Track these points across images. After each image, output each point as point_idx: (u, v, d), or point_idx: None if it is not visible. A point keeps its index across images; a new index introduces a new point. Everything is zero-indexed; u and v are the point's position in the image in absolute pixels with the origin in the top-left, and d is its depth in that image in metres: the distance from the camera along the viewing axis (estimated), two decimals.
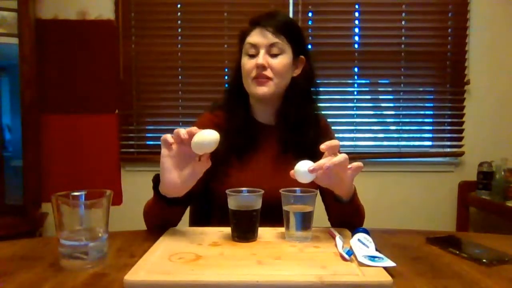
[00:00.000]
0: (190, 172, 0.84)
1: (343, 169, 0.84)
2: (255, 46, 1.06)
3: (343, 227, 0.96)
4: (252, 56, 1.07)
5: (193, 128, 0.79)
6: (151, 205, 0.96)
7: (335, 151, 0.84)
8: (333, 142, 0.84)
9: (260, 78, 1.05)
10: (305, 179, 0.83)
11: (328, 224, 1.01)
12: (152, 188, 0.92)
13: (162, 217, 0.94)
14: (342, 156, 0.83)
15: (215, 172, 1.05)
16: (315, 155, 0.86)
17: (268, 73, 1.05)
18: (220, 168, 1.07)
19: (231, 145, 1.07)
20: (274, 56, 1.06)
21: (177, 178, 0.84)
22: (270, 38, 1.05)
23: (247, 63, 1.07)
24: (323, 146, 0.83)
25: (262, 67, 1.04)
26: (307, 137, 1.09)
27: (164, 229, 0.92)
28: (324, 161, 0.82)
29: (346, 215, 0.99)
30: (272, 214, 0.89)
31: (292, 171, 0.85)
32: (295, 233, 0.85)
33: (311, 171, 0.82)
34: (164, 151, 0.85)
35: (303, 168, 0.83)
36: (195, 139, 0.77)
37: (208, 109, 1.19)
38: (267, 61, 1.05)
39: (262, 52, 1.05)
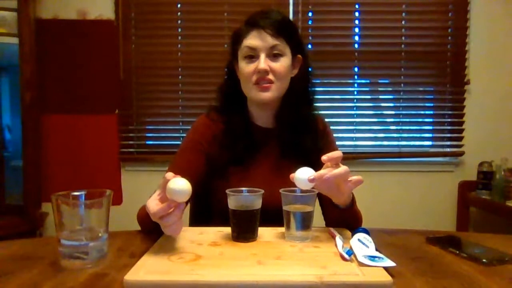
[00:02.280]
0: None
1: (343, 181, 0.85)
2: (254, 49, 1.02)
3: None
4: (251, 59, 1.03)
5: (168, 175, 0.76)
6: (146, 219, 0.92)
7: (337, 162, 0.84)
8: (335, 153, 0.84)
9: (262, 83, 1.03)
10: (304, 186, 0.84)
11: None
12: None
13: (158, 231, 0.92)
14: (343, 169, 0.83)
15: (216, 181, 1.05)
16: (315, 158, 0.86)
17: (270, 77, 1.03)
18: (221, 176, 1.05)
19: (231, 152, 1.06)
20: (274, 59, 1.03)
21: None
22: (270, 40, 1.02)
23: (247, 68, 1.04)
24: (325, 158, 0.83)
25: (264, 72, 1.02)
26: (307, 139, 1.08)
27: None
28: (325, 172, 0.82)
29: (342, 221, 0.97)
30: (274, 219, 0.89)
31: (292, 175, 0.85)
32: (295, 233, 0.85)
33: (311, 180, 0.82)
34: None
35: (303, 176, 0.83)
36: (169, 185, 0.74)
37: (205, 110, 1.16)
38: (269, 65, 1.02)
39: (262, 56, 1.02)
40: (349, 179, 0.85)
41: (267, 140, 1.11)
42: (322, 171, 0.83)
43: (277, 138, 1.11)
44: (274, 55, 1.03)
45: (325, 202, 1.01)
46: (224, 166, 1.07)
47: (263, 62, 1.01)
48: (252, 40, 1.03)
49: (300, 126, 1.10)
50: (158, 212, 0.75)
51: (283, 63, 1.04)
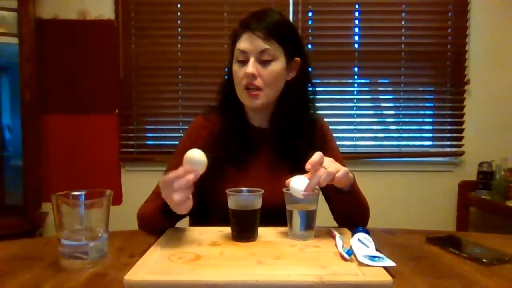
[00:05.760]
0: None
1: (331, 179, 0.85)
2: (245, 52, 1.02)
3: (348, 222, 0.98)
4: (242, 63, 1.03)
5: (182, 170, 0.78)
6: (153, 217, 0.94)
7: (320, 163, 0.84)
8: (315, 158, 0.84)
9: (251, 88, 1.03)
10: (298, 195, 0.84)
11: (329, 223, 1.01)
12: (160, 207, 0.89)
13: (162, 227, 0.92)
14: (322, 171, 0.83)
15: (212, 180, 1.04)
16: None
17: (258, 82, 1.02)
18: (217, 175, 1.05)
19: (226, 151, 1.07)
20: (265, 63, 1.02)
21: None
22: (260, 44, 1.00)
23: (238, 71, 1.04)
24: (308, 166, 0.84)
25: (252, 76, 1.01)
26: (303, 141, 1.07)
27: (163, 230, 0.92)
28: (313, 182, 0.83)
29: (348, 205, 0.99)
30: (271, 218, 0.89)
31: (287, 181, 0.85)
32: (298, 232, 0.85)
33: (305, 195, 0.83)
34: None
35: (296, 187, 0.83)
36: (186, 155, 0.76)
37: (202, 110, 1.17)
38: (257, 70, 1.01)
39: (251, 60, 1.01)
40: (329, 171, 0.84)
41: (263, 140, 1.11)
42: (310, 183, 0.83)
43: (272, 139, 1.11)
44: (264, 59, 1.02)
45: (329, 192, 1.02)
46: (220, 166, 1.06)
47: (251, 66, 1.00)
48: (243, 43, 1.02)
49: (296, 127, 1.09)
50: (173, 175, 0.76)
51: (273, 69, 1.02)
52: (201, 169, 0.76)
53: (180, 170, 0.77)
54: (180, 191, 0.77)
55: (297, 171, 0.87)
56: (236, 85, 1.07)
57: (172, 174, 0.77)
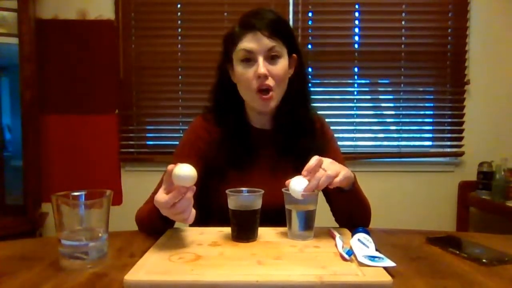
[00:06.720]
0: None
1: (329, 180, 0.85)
2: (251, 52, 1.00)
3: (349, 222, 0.98)
4: (248, 62, 1.01)
5: (169, 166, 0.76)
6: (150, 219, 0.93)
7: (319, 166, 0.84)
8: (312, 163, 0.84)
9: (263, 90, 1.00)
10: (298, 197, 0.84)
11: (329, 224, 1.01)
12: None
13: (162, 229, 0.92)
14: (321, 174, 0.83)
15: (213, 182, 1.05)
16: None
17: (270, 82, 1.00)
18: (218, 178, 1.05)
19: (228, 155, 1.06)
20: (272, 61, 1.00)
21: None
22: (267, 42, 0.99)
23: (245, 73, 1.01)
24: (304, 173, 0.84)
25: (264, 77, 0.99)
26: (304, 141, 1.07)
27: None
28: (313, 184, 0.83)
29: (349, 205, 0.99)
30: (273, 219, 0.90)
31: (287, 182, 0.85)
32: (297, 232, 0.85)
33: (304, 196, 0.83)
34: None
35: (296, 188, 0.84)
36: (174, 171, 0.75)
37: (202, 111, 1.15)
38: (267, 69, 0.99)
39: (260, 59, 0.99)
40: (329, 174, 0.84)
41: (264, 142, 1.10)
42: (309, 184, 0.83)
43: (274, 140, 1.10)
44: (271, 57, 1.01)
45: (330, 191, 1.00)
46: (221, 168, 1.06)
47: (262, 67, 0.99)
48: (248, 42, 1.00)
49: (298, 127, 1.08)
50: (169, 200, 0.76)
51: (281, 65, 1.02)
52: (192, 182, 0.75)
53: (175, 193, 0.75)
54: (185, 211, 0.77)
55: (299, 172, 0.86)
56: (244, 89, 1.04)
57: (167, 197, 0.76)
